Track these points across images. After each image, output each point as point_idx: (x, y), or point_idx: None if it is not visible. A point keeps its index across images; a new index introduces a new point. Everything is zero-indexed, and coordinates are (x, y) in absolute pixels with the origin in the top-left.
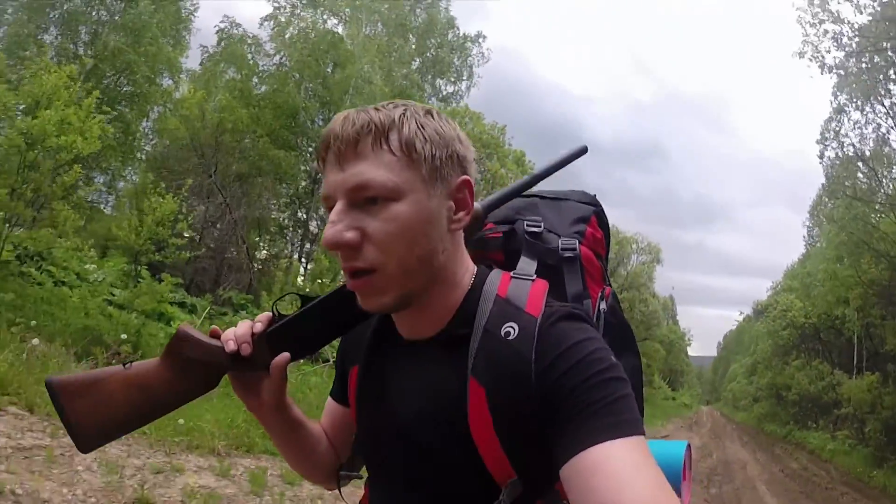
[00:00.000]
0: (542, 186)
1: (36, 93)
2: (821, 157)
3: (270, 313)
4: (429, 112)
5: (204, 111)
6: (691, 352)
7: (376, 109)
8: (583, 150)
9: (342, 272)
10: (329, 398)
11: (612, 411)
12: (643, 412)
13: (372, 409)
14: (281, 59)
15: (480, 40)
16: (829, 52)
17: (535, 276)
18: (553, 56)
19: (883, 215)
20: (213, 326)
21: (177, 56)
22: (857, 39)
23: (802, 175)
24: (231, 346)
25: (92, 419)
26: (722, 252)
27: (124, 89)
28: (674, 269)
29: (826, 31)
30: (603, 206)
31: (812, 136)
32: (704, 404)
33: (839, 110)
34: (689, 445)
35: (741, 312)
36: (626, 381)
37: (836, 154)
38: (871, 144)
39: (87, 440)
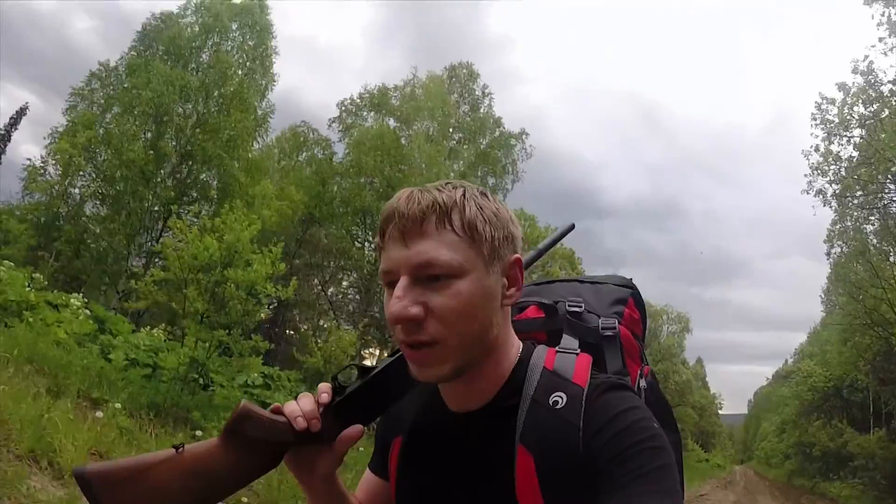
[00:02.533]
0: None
1: (232, 244)
2: (828, 254)
3: (330, 384)
4: (484, 194)
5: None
6: (722, 411)
7: (438, 190)
8: (571, 227)
9: (399, 343)
10: (367, 471)
11: (653, 479)
12: (683, 482)
13: (416, 480)
14: (349, 158)
15: (524, 137)
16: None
17: (579, 350)
18: (569, 123)
19: (883, 301)
20: (275, 404)
21: (263, 159)
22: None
23: (815, 221)
24: (301, 424)
25: None
26: (745, 307)
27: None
28: (698, 327)
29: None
30: (637, 288)
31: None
32: (738, 464)
33: (842, 217)
34: None
35: (767, 379)
36: (669, 451)
37: (841, 250)
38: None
39: None
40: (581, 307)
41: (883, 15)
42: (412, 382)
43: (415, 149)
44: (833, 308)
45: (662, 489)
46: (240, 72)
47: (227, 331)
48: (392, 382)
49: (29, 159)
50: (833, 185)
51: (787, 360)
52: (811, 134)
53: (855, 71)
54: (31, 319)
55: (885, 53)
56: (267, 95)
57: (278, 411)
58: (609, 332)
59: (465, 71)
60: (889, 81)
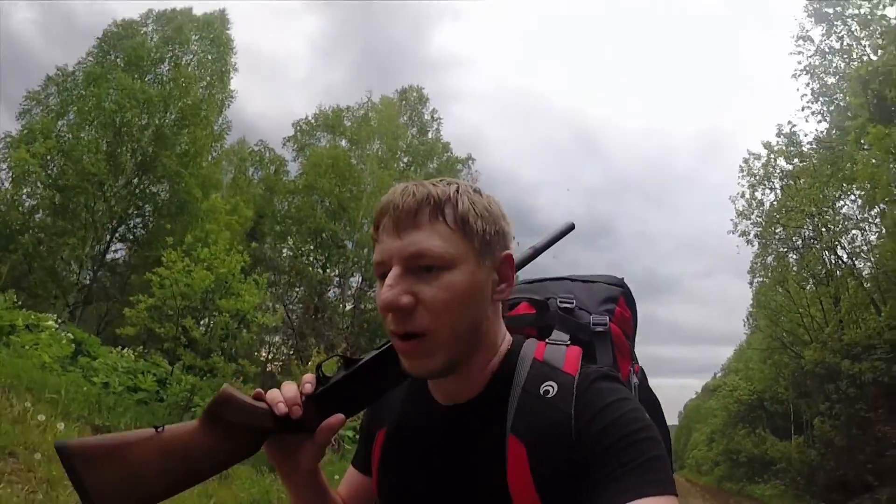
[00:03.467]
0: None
1: (224, 274)
2: (751, 283)
3: (315, 375)
4: (477, 191)
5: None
6: None
7: (433, 184)
8: (571, 227)
9: (389, 334)
10: (351, 467)
11: (648, 469)
12: (673, 472)
13: (400, 473)
14: (303, 178)
15: (470, 162)
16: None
17: (569, 342)
18: (507, 143)
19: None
20: (257, 389)
21: (219, 174)
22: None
23: (743, 246)
24: (282, 409)
25: (119, 490)
26: (675, 323)
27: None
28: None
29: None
30: (628, 287)
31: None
32: None
33: (763, 251)
34: None
35: (696, 392)
36: (661, 442)
37: (762, 279)
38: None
39: None
40: (573, 303)
41: (807, 86)
42: (398, 377)
43: (367, 171)
44: (755, 328)
45: (656, 480)
46: (200, 86)
47: (219, 354)
48: (377, 376)
49: None
50: (755, 227)
51: (715, 374)
52: (738, 182)
53: (779, 133)
54: (16, 343)
55: (806, 119)
56: (224, 111)
57: (260, 397)
58: (600, 328)
59: (415, 94)
60: (808, 142)
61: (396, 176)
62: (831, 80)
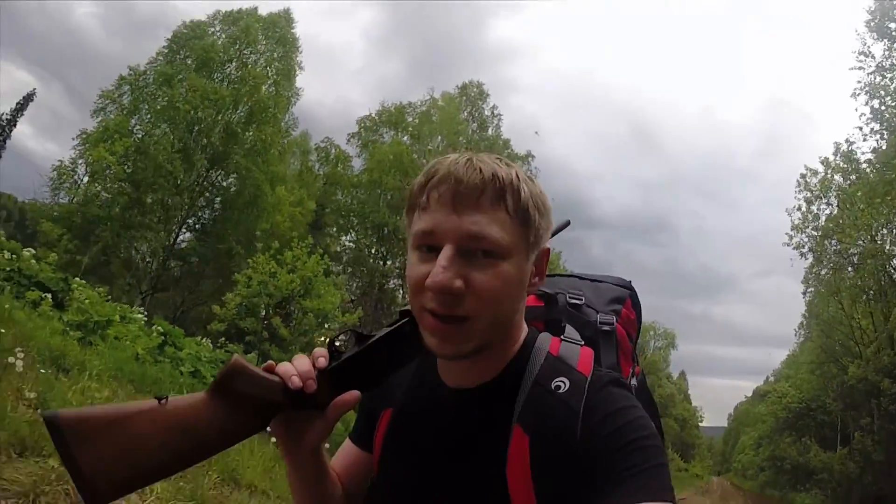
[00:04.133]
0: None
1: (307, 276)
2: (804, 294)
3: (327, 350)
4: (531, 178)
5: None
6: (703, 423)
7: (497, 164)
8: (566, 224)
9: (423, 312)
10: (347, 441)
11: (650, 475)
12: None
13: (404, 454)
14: (367, 174)
15: (530, 159)
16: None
17: (583, 343)
18: (562, 135)
19: (848, 337)
20: (269, 361)
21: (285, 170)
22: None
23: (797, 258)
24: (296, 382)
25: (114, 467)
26: (728, 322)
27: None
28: (683, 340)
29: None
30: (635, 290)
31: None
32: (715, 475)
33: (818, 262)
34: None
35: (746, 396)
36: (664, 451)
37: (815, 289)
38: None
39: (101, 494)
40: (581, 300)
41: (866, 104)
42: (412, 354)
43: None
44: (807, 338)
45: (659, 487)
46: (267, 84)
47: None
48: (391, 352)
49: (60, 161)
50: (810, 240)
51: (767, 378)
52: (794, 197)
53: (836, 152)
54: (110, 336)
55: (864, 138)
56: (290, 108)
57: (272, 370)
58: (606, 328)
59: (475, 90)
60: (865, 161)
61: None
62: (891, 98)
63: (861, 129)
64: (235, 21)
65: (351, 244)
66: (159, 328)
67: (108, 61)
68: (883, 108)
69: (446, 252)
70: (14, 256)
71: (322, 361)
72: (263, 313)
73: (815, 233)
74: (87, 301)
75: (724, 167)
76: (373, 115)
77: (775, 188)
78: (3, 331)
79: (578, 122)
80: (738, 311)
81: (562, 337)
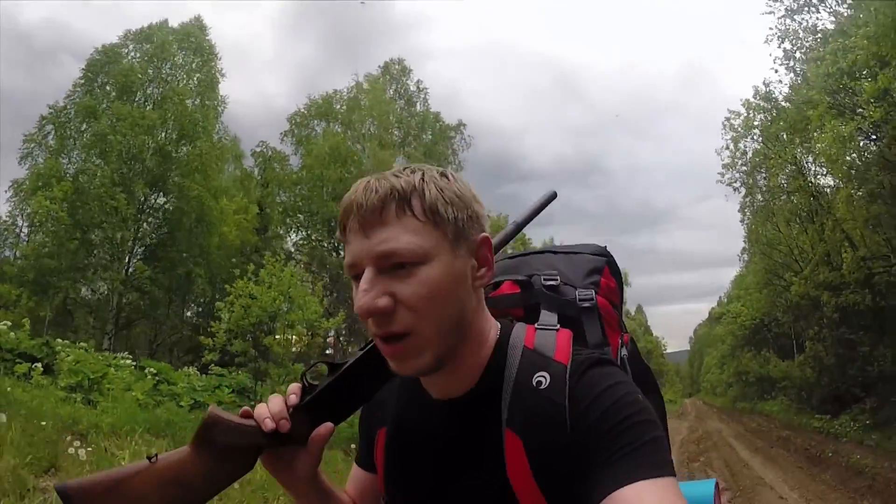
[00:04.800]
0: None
1: (283, 288)
2: (742, 221)
3: (300, 384)
4: (444, 174)
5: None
6: (667, 350)
7: (395, 176)
8: (553, 196)
9: (373, 338)
10: (355, 466)
11: (644, 453)
12: (669, 447)
13: (404, 471)
14: (308, 172)
15: (462, 128)
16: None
17: (558, 326)
18: (484, 95)
19: (787, 256)
20: (244, 407)
21: (223, 182)
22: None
23: (731, 193)
24: (269, 425)
25: None
26: (674, 250)
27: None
28: (633, 274)
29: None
30: (612, 255)
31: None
32: (687, 397)
33: (750, 192)
34: (717, 483)
35: (702, 320)
36: (657, 423)
37: (751, 216)
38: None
39: None
40: (557, 280)
41: (779, 47)
42: (385, 376)
43: (366, 153)
44: (749, 262)
45: (654, 462)
46: (192, 100)
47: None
48: (363, 378)
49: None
50: (741, 175)
51: (720, 298)
52: (721, 137)
53: (756, 94)
54: (108, 389)
55: (780, 81)
56: (219, 118)
57: (247, 415)
58: (587, 304)
59: (398, 67)
60: (783, 99)
61: (394, 152)
62: (800, 40)
63: (776, 71)
64: (148, 38)
65: (302, 242)
66: (151, 369)
67: (14, 96)
68: (794, 49)
69: (365, 275)
70: None
71: (293, 399)
72: (249, 335)
73: (744, 167)
74: (75, 361)
75: (649, 102)
76: (302, 109)
77: (701, 116)
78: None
79: (499, 80)
80: (681, 237)
81: (536, 326)
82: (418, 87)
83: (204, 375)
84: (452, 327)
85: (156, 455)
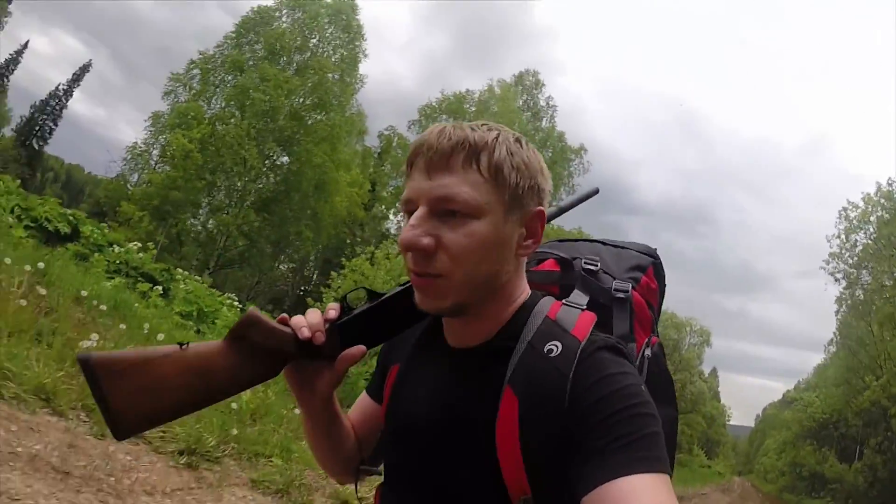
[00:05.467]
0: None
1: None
2: (836, 312)
3: (339, 304)
4: (518, 140)
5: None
6: (730, 422)
7: (472, 129)
8: (595, 192)
9: (407, 271)
10: (364, 393)
11: (641, 446)
12: (673, 466)
13: (403, 408)
14: None
15: (582, 152)
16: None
17: (584, 307)
18: (606, 118)
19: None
20: (283, 314)
21: (349, 155)
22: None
23: (831, 283)
24: (305, 334)
25: (138, 403)
26: (764, 321)
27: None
28: (716, 335)
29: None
30: (660, 258)
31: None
32: (737, 474)
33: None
34: None
35: (775, 400)
36: (658, 419)
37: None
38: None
39: (126, 427)
40: (597, 266)
41: None
42: (419, 314)
43: None
44: (837, 353)
45: (652, 456)
46: (333, 75)
47: None
48: (399, 311)
49: (136, 143)
50: (846, 266)
51: (799, 381)
52: (835, 225)
53: (878, 191)
54: (219, 325)
55: None
56: (355, 95)
57: (285, 322)
58: (621, 295)
59: (531, 79)
60: None
61: None
62: None
63: None
64: (301, 6)
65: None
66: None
67: (155, 27)
68: None
69: (417, 212)
70: (114, 247)
71: (332, 314)
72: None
73: (850, 259)
74: (187, 291)
75: (769, 161)
76: (433, 102)
77: (820, 188)
78: (148, 326)
79: (622, 106)
80: (774, 310)
81: (563, 301)
82: (547, 103)
83: None
84: (481, 282)
85: (187, 343)
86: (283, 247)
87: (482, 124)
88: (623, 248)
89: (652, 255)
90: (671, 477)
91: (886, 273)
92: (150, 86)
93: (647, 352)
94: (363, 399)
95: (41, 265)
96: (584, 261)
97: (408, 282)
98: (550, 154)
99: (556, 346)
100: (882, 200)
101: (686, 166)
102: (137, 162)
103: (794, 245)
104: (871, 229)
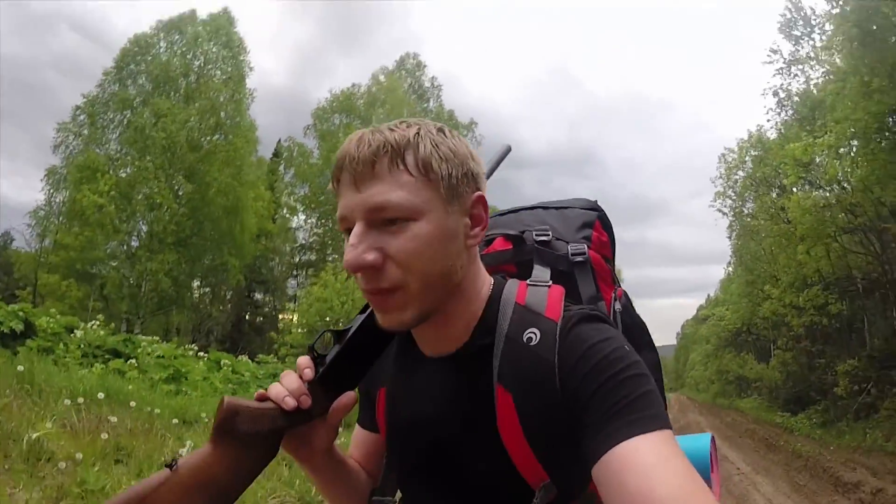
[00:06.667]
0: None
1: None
2: (729, 237)
3: (309, 356)
4: (441, 130)
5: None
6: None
7: (391, 130)
8: (507, 149)
9: (362, 292)
10: (357, 428)
11: (636, 408)
12: (665, 403)
13: (403, 426)
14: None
15: (474, 127)
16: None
17: (550, 282)
18: (485, 78)
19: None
20: (258, 391)
21: (262, 179)
22: None
23: (719, 217)
24: (290, 403)
25: None
26: (665, 244)
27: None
28: (622, 266)
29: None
30: (603, 210)
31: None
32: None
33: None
34: (713, 437)
35: (691, 315)
36: (649, 377)
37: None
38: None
39: None
40: (549, 235)
41: (774, 95)
42: (388, 336)
43: None
44: (734, 272)
45: (649, 416)
46: (223, 95)
47: None
48: (369, 340)
49: (37, 204)
50: (731, 200)
51: (708, 295)
52: (716, 169)
53: (749, 137)
54: (195, 383)
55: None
56: (248, 110)
57: (263, 398)
58: (580, 258)
59: (413, 61)
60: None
61: None
62: (796, 87)
63: (768, 120)
64: (177, 29)
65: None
66: (226, 361)
67: (7, 62)
68: (786, 100)
69: (355, 230)
70: (74, 332)
71: (308, 373)
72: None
73: (734, 195)
74: (157, 355)
75: (647, 97)
76: (324, 104)
77: (697, 112)
78: (158, 411)
79: (498, 66)
80: (673, 232)
81: (528, 282)
82: (432, 84)
83: (252, 363)
84: (439, 284)
85: (175, 461)
86: (210, 280)
87: (400, 122)
88: (565, 207)
89: (595, 208)
90: (671, 430)
91: (766, 202)
92: (14, 126)
93: (617, 305)
94: (358, 433)
95: (21, 368)
96: (534, 232)
97: (366, 307)
98: None
99: (535, 334)
100: (753, 142)
101: (568, 113)
102: (42, 225)
103: (681, 170)
104: (749, 166)
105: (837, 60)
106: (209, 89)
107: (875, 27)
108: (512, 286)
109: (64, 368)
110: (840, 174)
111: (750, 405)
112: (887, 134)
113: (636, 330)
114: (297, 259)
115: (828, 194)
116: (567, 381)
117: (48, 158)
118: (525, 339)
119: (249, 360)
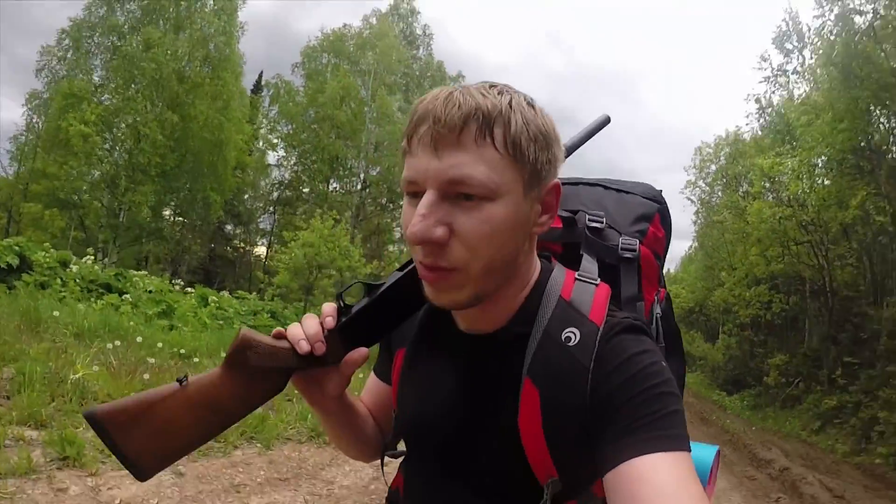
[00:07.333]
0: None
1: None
2: (694, 222)
3: (335, 304)
4: (531, 104)
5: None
6: None
7: (482, 95)
8: (606, 120)
9: (416, 264)
10: (372, 374)
11: (661, 426)
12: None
13: (417, 395)
14: (319, 113)
15: (461, 80)
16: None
17: (598, 281)
18: (471, 26)
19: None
20: (277, 328)
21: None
22: None
23: (699, 148)
24: (304, 347)
25: (152, 447)
26: None
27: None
28: None
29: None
30: (665, 202)
31: (716, 112)
32: None
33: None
34: (718, 451)
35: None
36: (679, 397)
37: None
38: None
39: (146, 469)
40: (602, 222)
41: (756, 102)
42: (421, 301)
43: (376, 99)
44: (696, 253)
45: (673, 435)
46: (212, 27)
47: None
48: (400, 301)
49: (16, 128)
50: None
51: (669, 269)
52: (691, 160)
53: (727, 135)
54: (187, 318)
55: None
56: (236, 47)
57: (281, 336)
58: (628, 255)
59: (406, 6)
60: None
61: (399, 97)
62: (778, 98)
63: (748, 123)
64: None
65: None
66: (213, 297)
67: None
68: (766, 107)
69: (426, 199)
70: (70, 266)
71: (329, 322)
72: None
73: (704, 186)
74: (155, 290)
75: (631, 66)
76: (314, 43)
77: (677, 86)
78: (160, 345)
79: (487, 17)
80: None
81: (576, 275)
82: (424, 32)
83: (235, 300)
84: (500, 269)
85: (185, 378)
86: (186, 212)
87: (490, 86)
88: (627, 192)
89: (658, 199)
90: (690, 453)
91: (734, 199)
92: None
93: (657, 309)
94: (373, 382)
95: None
96: (588, 217)
97: (405, 266)
98: (430, 85)
99: (574, 334)
100: (730, 141)
101: (554, 73)
102: (21, 151)
103: (657, 143)
104: (723, 161)
105: (814, 96)
106: (200, 19)
107: (860, 71)
108: (559, 276)
109: (65, 304)
110: (800, 191)
111: (692, 380)
112: (850, 159)
113: (672, 337)
114: (276, 196)
115: (787, 210)
116: (599, 387)
117: (29, 81)
118: (563, 338)
119: (232, 297)
